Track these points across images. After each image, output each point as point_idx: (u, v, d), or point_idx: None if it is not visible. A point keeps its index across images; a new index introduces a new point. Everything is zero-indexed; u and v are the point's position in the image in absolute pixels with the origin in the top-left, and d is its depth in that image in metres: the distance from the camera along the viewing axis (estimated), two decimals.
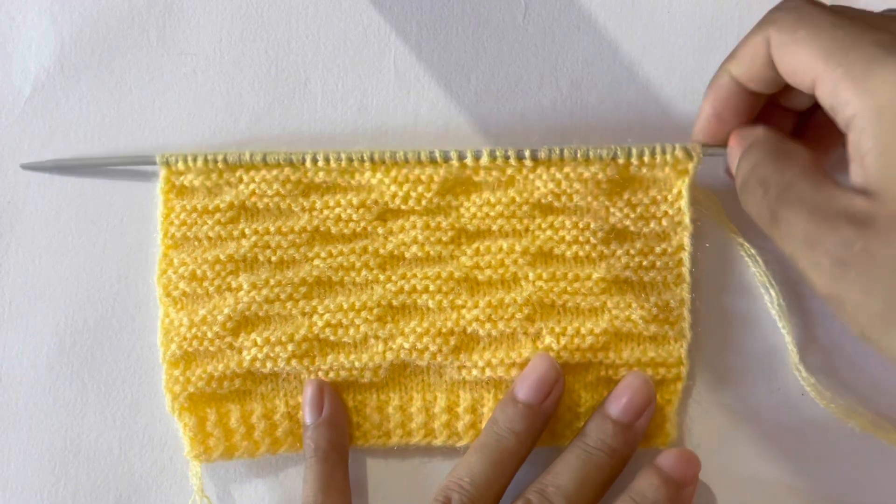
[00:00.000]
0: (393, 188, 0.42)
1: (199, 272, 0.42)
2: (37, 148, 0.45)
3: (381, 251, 0.42)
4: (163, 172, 0.43)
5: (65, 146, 0.45)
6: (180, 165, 0.42)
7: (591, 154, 0.41)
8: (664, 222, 0.42)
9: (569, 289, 0.42)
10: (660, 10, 0.45)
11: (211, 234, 0.43)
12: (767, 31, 0.35)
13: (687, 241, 0.42)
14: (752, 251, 0.42)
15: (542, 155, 0.41)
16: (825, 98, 0.33)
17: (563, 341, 0.42)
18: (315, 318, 0.42)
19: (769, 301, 0.42)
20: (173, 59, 0.45)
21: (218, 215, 0.43)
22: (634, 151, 0.41)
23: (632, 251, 0.42)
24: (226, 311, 0.42)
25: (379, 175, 0.42)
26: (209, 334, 0.42)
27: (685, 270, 0.42)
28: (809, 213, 0.32)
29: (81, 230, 0.44)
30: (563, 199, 0.42)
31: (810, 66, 0.33)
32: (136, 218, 0.44)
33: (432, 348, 0.42)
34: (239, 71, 0.45)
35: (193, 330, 0.42)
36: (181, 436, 0.42)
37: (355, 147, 0.43)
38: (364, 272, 0.42)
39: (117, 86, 0.45)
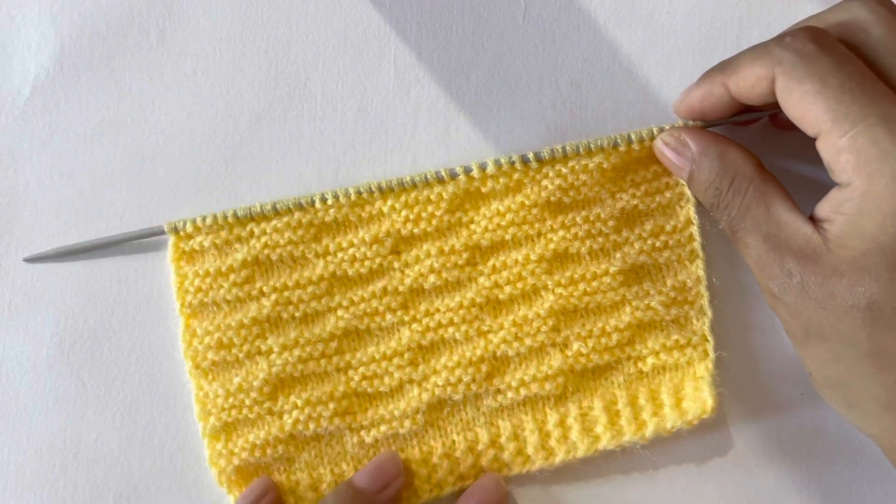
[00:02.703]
0: (404, 213, 0.42)
1: (224, 339, 0.42)
2: (36, 148, 0.45)
3: (401, 288, 0.42)
4: (172, 240, 0.42)
5: (64, 146, 0.45)
6: (189, 228, 0.42)
7: (592, 146, 0.42)
8: (668, 195, 0.42)
9: (588, 289, 0.42)
10: (659, 11, 0.45)
11: (229, 297, 0.42)
12: (773, 68, 0.36)
13: (693, 214, 0.42)
14: None
15: (546, 154, 0.42)
16: (825, 155, 0.35)
17: (590, 344, 0.42)
18: (350, 372, 0.42)
19: None
20: (173, 60, 0.45)
21: (233, 276, 0.42)
22: (634, 137, 0.42)
23: (643, 234, 0.42)
24: (261, 376, 0.42)
25: (390, 202, 0.42)
26: (247, 402, 0.42)
27: (697, 245, 0.42)
28: (763, 240, 0.36)
29: (81, 230, 0.44)
30: (572, 193, 0.42)
31: (816, 119, 0.35)
32: (137, 215, 0.44)
33: (465, 379, 0.42)
34: (239, 71, 0.45)
35: (231, 399, 0.42)
36: (195, 460, 0.42)
37: (362, 173, 0.44)
38: (388, 316, 0.42)
39: (117, 86, 0.45)
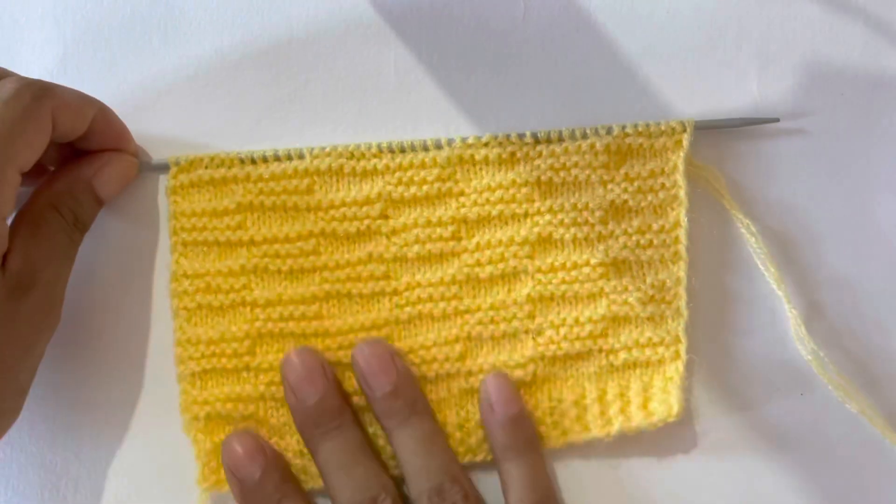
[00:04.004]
0: (397, 174, 0.43)
1: (213, 284, 0.42)
2: None
3: (386, 255, 0.43)
4: (171, 171, 0.43)
5: None
6: (189, 156, 0.43)
7: (588, 131, 0.42)
8: (661, 195, 0.43)
9: (567, 277, 0.42)
10: (659, 10, 0.45)
11: (221, 239, 0.43)
12: None
13: (683, 218, 0.42)
14: (753, 228, 0.43)
15: (542, 134, 0.42)
16: None
17: (562, 332, 0.42)
18: (328, 340, 0.42)
19: (769, 277, 0.43)
20: (175, 62, 0.45)
21: (227, 219, 0.43)
22: (629, 125, 0.42)
23: (629, 230, 0.43)
24: (244, 328, 0.42)
25: (385, 160, 0.43)
26: (227, 351, 0.42)
27: (682, 248, 0.42)
28: None
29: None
30: (563, 173, 0.42)
31: None
32: (136, 216, 0.44)
33: (440, 358, 0.42)
34: (240, 72, 0.45)
35: (212, 347, 0.42)
36: (194, 461, 0.41)
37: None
38: (371, 284, 0.43)
39: (119, 88, 0.45)
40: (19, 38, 0.46)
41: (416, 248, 0.43)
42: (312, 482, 0.42)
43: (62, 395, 0.43)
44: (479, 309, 0.42)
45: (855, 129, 0.44)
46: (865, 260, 0.44)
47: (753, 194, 0.44)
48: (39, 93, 0.37)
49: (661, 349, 0.42)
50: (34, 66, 0.46)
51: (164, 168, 0.43)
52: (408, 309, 0.42)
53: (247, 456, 0.40)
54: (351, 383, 0.42)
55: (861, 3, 0.45)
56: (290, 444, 0.42)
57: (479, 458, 0.42)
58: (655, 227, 0.43)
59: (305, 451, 0.41)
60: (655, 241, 0.43)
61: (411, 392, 0.41)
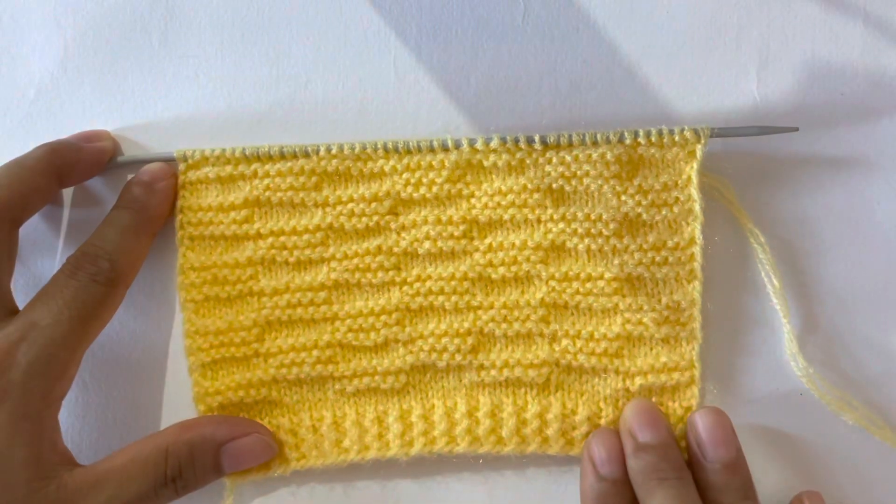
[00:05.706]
0: (406, 175, 0.43)
1: (220, 276, 0.43)
2: None
3: (395, 249, 0.43)
4: (180, 167, 0.43)
5: None
6: (197, 157, 0.43)
7: (598, 137, 0.42)
8: (675, 209, 0.42)
9: (581, 289, 0.42)
10: (659, 10, 0.45)
11: (227, 233, 0.43)
12: None
13: (698, 234, 0.42)
14: (762, 239, 0.42)
15: (551, 139, 0.42)
16: None
17: (578, 344, 0.42)
18: (337, 323, 0.43)
19: (771, 290, 0.43)
20: (175, 62, 0.45)
21: (233, 214, 0.43)
22: (641, 132, 0.41)
23: (644, 245, 0.42)
24: (251, 316, 0.43)
25: (392, 162, 0.43)
26: (236, 340, 0.42)
27: (697, 266, 0.42)
28: None
29: (83, 231, 0.44)
30: (574, 182, 0.42)
31: None
32: None
33: (451, 348, 0.42)
34: (240, 73, 0.45)
35: (220, 337, 0.42)
36: None
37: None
38: (380, 274, 0.43)
39: (120, 88, 0.45)
40: (19, 38, 0.46)
41: (426, 244, 0.43)
42: (322, 459, 0.42)
43: (71, 396, 0.43)
44: (491, 306, 0.42)
45: (854, 129, 0.44)
46: (865, 264, 0.43)
47: (752, 194, 0.44)
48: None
49: (675, 374, 0.41)
50: (35, 66, 0.46)
51: (171, 159, 0.43)
52: (418, 299, 0.42)
53: (613, 456, 0.40)
54: (361, 364, 0.42)
55: (861, 3, 0.45)
56: (303, 420, 0.43)
57: (483, 449, 0.42)
58: (670, 243, 0.42)
59: (318, 426, 0.42)
60: (671, 259, 0.42)
61: (747, 473, 0.39)
